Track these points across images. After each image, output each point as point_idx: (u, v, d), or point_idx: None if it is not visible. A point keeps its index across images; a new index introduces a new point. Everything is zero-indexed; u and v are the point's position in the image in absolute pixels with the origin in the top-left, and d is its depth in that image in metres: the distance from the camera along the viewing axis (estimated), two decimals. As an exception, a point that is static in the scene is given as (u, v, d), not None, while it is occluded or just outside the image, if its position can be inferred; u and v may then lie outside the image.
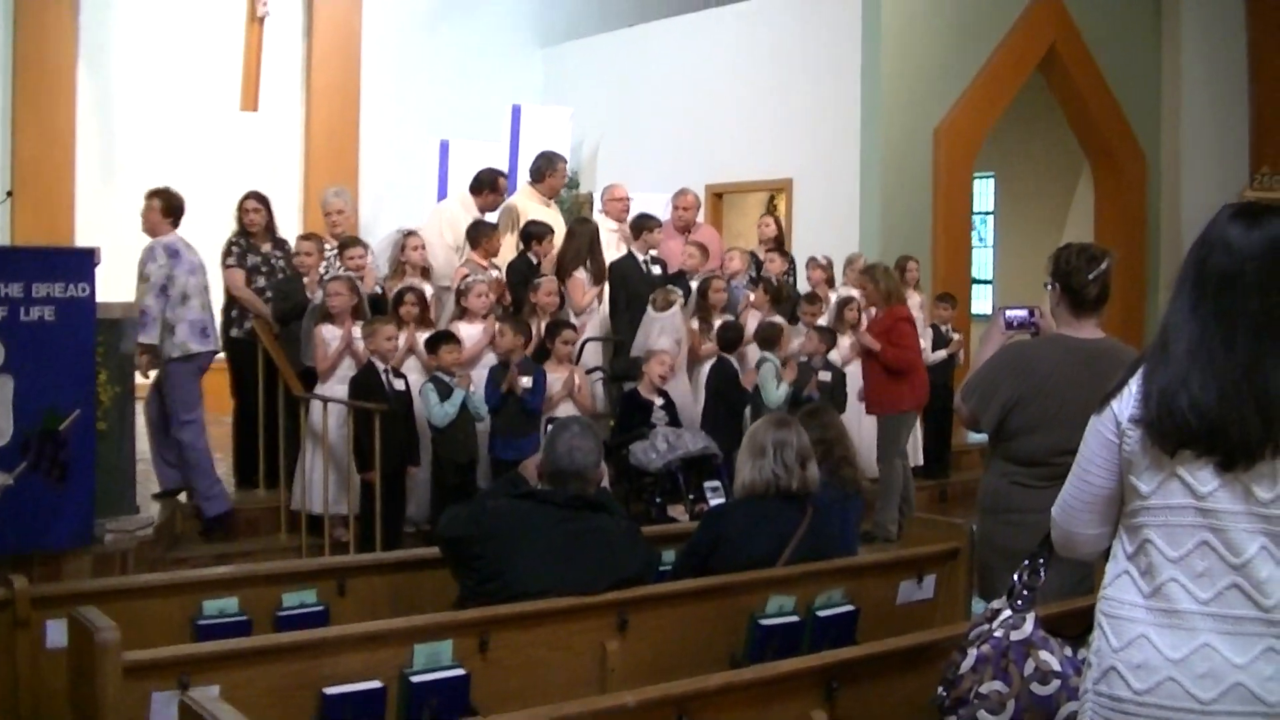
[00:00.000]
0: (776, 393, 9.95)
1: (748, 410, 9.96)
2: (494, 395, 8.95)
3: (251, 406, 9.34)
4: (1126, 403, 2.94)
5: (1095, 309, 4.95)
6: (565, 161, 11.82)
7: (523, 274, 10.22)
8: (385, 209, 15.43)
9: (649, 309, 10.25)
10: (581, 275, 10.30)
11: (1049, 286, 5.01)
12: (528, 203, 11.21)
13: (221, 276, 9.77)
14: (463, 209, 11.03)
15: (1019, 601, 3.45)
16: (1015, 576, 3.47)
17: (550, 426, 5.59)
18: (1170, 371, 2.86)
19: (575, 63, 18.10)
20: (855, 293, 11.59)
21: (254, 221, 9.83)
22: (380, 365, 8.59)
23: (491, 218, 10.96)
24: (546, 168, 11.40)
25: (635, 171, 14.97)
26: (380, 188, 16.08)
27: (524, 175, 12.35)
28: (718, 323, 10.51)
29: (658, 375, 9.60)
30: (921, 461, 11.60)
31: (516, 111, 15.99)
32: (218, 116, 15.56)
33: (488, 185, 11.03)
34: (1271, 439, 2.77)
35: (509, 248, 10.77)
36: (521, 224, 10.79)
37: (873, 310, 10.77)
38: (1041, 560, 3.42)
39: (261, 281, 9.69)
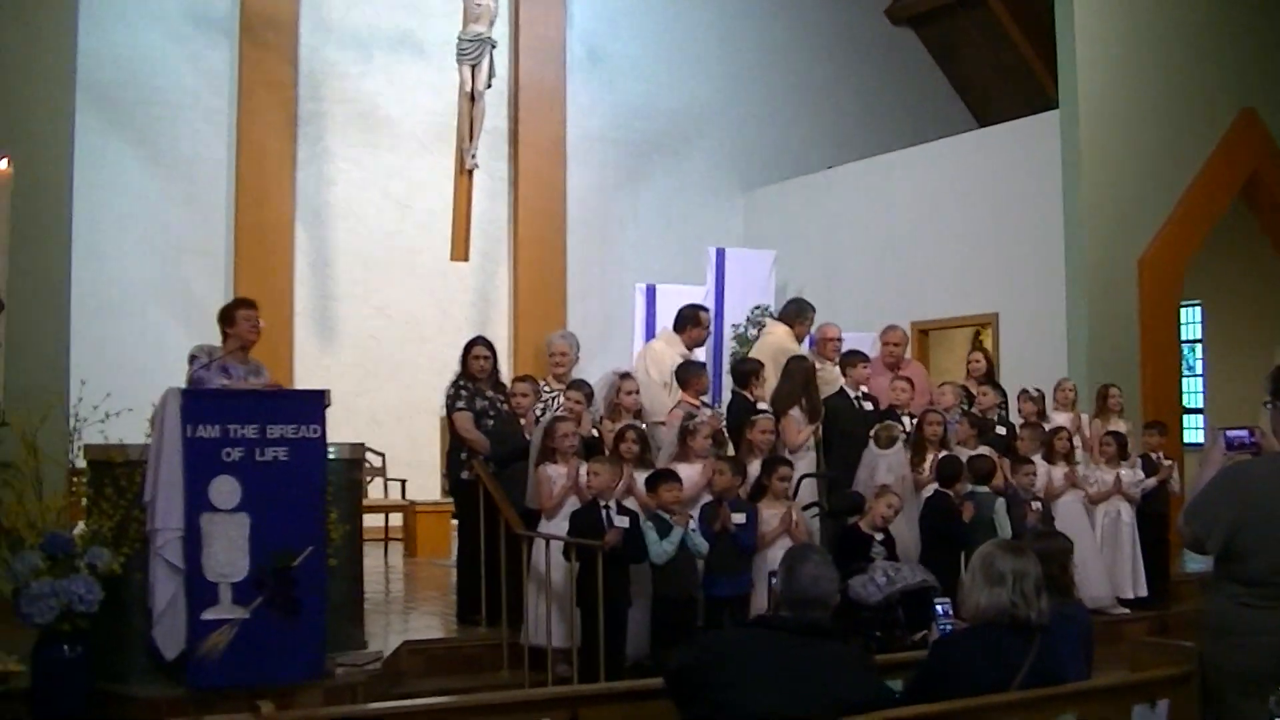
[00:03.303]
0: (1009, 530, 9.87)
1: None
2: (707, 533, 8.96)
3: (475, 546, 9.47)
4: None
5: (1317, 426, 4.85)
6: (814, 310, 11.90)
7: (740, 413, 10.23)
8: (592, 353, 15.70)
9: (871, 445, 10.21)
10: (796, 413, 10.26)
11: (1268, 405, 4.93)
12: (787, 343, 11.37)
13: (448, 419, 9.99)
14: (667, 346, 11.10)
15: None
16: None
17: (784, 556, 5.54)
18: None
19: (775, 205, 18.42)
20: (1065, 420, 11.45)
21: (482, 367, 10.04)
22: (602, 501, 8.66)
23: (699, 353, 11.02)
24: (797, 314, 11.65)
25: (839, 311, 14.98)
26: (587, 331, 16.38)
27: (774, 317, 12.60)
28: (930, 457, 10.43)
29: (882, 515, 9.52)
30: (1145, 592, 11.32)
31: (720, 255, 16.21)
32: (430, 267, 16.04)
33: (690, 321, 11.11)
34: None
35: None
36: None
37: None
38: None
39: (489, 424, 9.83)
